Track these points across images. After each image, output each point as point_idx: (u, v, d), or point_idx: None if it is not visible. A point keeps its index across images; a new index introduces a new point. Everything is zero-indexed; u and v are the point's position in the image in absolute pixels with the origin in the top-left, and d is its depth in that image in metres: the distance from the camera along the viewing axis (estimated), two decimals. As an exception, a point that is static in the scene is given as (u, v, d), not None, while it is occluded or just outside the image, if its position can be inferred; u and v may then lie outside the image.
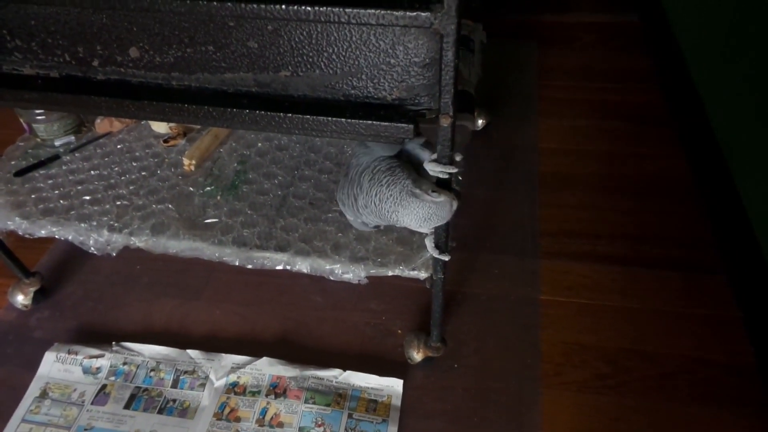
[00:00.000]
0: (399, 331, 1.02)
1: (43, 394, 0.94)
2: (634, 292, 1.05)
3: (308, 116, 0.62)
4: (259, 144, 1.03)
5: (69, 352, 0.98)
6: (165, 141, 1.02)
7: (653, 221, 1.18)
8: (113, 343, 0.99)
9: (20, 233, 0.90)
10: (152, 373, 0.96)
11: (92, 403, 0.92)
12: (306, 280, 1.09)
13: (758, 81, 1.06)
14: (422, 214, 0.65)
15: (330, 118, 0.61)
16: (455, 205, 0.66)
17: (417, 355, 0.95)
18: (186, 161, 0.97)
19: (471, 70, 1.07)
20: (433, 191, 0.65)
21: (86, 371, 0.96)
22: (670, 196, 1.23)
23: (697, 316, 1.01)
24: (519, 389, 0.93)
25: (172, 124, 1.03)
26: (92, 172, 0.98)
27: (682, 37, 1.45)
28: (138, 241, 0.86)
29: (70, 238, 0.88)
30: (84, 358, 0.97)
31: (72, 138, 1.03)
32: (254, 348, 0.98)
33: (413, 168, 0.71)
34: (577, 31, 1.76)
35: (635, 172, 1.29)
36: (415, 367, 0.96)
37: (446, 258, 0.77)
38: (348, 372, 0.94)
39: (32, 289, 1.05)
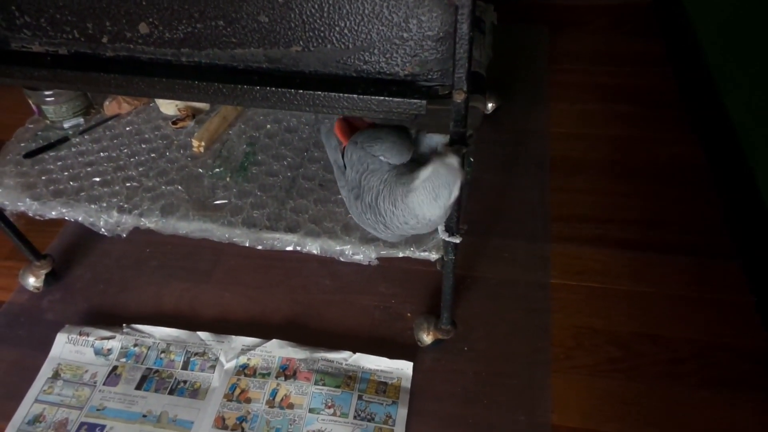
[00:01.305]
0: (408, 315, 1.01)
1: (56, 375, 0.94)
2: (645, 277, 1.04)
3: (319, 92, 0.61)
4: (268, 126, 1.02)
5: (80, 334, 0.98)
6: (174, 123, 1.01)
7: (665, 206, 1.16)
8: (124, 325, 0.99)
9: (31, 214, 0.90)
10: (163, 355, 0.96)
11: (104, 384, 0.93)
12: (315, 263, 1.08)
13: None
14: (430, 188, 0.61)
15: (342, 95, 0.61)
16: (461, 169, 0.62)
17: (427, 338, 0.94)
18: (195, 143, 0.96)
19: (482, 51, 1.05)
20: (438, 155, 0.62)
21: (98, 352, 0.96)
22: (683, 180, 1.21)
23: (709, 301, 1.00)
24: (529, 373, 0.92)
25: (180, 106, 1.02)
26: (101, 153, 0.98)
27: (696, 19, 1.43)
28: (148, 222, 0.86)
29: (80, 219, 0.88)
30: (95, 339, 0.97)
31: (81, 120, 1.02)
32: (264, 330, 0.98)
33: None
34: (589, 15, 1.73)
35: (647, 156, 1.27)
36: (425, 350, 0.95)
37: (457, 240, 0.76)
38: (358, 354, 0.94)
39: (43, 272, 1.05)
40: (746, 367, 0.91)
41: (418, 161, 0.68)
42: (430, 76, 0.60)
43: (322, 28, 0.58)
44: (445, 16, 0.54)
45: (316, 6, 0.57)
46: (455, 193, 0.62)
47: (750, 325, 0.96)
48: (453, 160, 0.60)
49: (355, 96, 0.60)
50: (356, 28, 0.57)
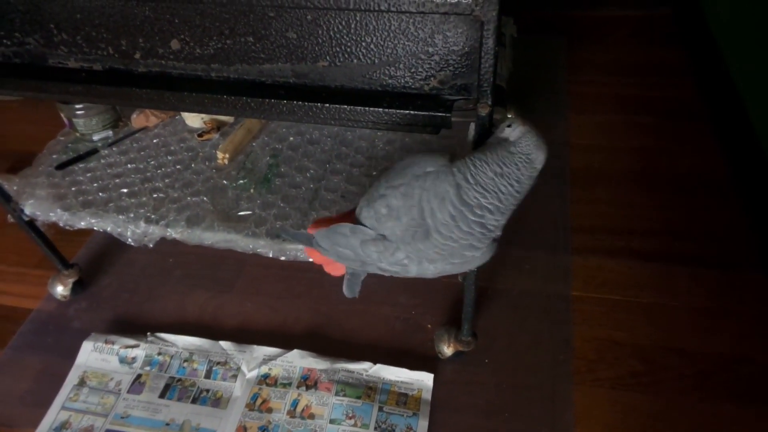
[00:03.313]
0: (429, 326, 1.01)
1: (82, 383, 0.96)
2: (668, 289, 1.03)
3: (345, 106, 0.62)
4: (291, 138, 1.04)
5: (106, 342, 1.00)
6: (199, 135, 1.03)
7: (688, 217, 1.15)
8: (148, 333, 1.01)
9: (61, 225, 0.92)
10: (186, 364, 0.97)
11: (128, 392, 0.94)
12: (336, 274, 1.09)
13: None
14: (528, 129, 0.58)
15: (367, 108, 0.62)
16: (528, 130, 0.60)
17: (447, 350, 0.94)
18: (220, 155, 0.98)
19: (502, 64, 1.06)
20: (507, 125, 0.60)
21: (122, 361, 0.98)
22: (705, 191, 1.20)
23: (735, 314, 0.98)
24: (551, 385, 0.92)
25: (206, 119, 1.04)
26: (129, 165, 1.00)
27: (717, 29, 1.42)
28: (174, 233, 0.88)
29: (108, 229, 0.90)
30: (120, 347, 0.99)
31: (110, 132, 1.05)
32: (285, 340, 0.99)
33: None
34: (608, 26, 1.73)
35: (669, 167, 1.26)
36: (446, 362, 0.95)
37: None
38: (378, 365, 0.94)
39: (71, 281, 1.08)
40: (774, 381, 0.89)
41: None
42: (454, 90, 0.61)
43: (349, 44, 0.60)
44: (471, 32, 0.55)
45: (344, 23, 0.58)
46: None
47: (778, 339, 0.94)
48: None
49: (380, 110, 0.61)
50: (382, 43, 0.58)
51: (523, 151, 0.58)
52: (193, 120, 1.06)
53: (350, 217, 0.76)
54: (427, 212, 0.62)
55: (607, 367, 0.94)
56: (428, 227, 0.62)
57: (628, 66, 1.57)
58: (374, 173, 0.96)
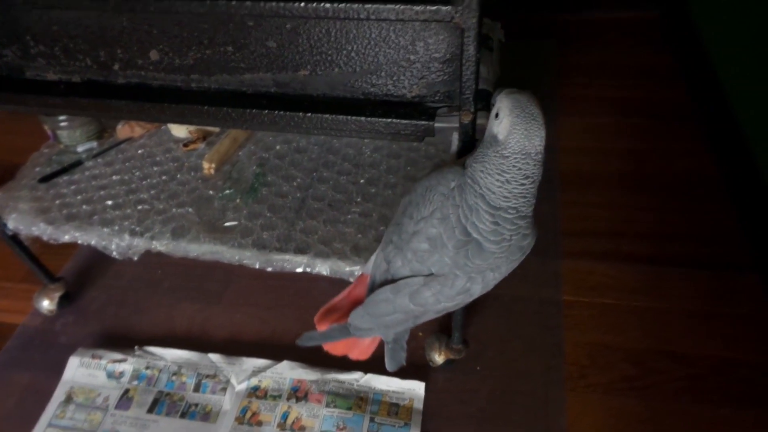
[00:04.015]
0: (420, 334, 1.00)
1: (68, 399, 0.94)
2: (660, 292, 1.03)
3: (327, 115, 0.61)
4: (278, 147, 1.03)
5: (93, 357, 0.98)
6: (185, 145, 1.02)
7: (679, 219, 1.15)
8: (136, 347, 1.00)
9: (45, 238, 0.91)
10: (174, 377, 0.96)
11: (116, 408, 0.92)
12: (325, 283, 1.07)
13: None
14: (517, 114, 0.53)
15: (349, 117, 0.61)
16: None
17: (438, 358, 0.93)
18: (206, 165, 0.97)
19: (489, 68, 1.05)
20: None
21: (110, 375, 0.97)
22: (696, 193, 1.20)
23: (727, 316, 0.98)
24: (544, 392, 0.91)
25: (191, 129, 1.03)
26: (114, 177, 0.99)
27: (706, 32, 1.42)
28: (159, 245, 0.87)
29: (93, 242, 0.89)
30: (107, 362, 0.98)
31: (94, 144, 1.04)
32: (275, 351, 0.98)
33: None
34: (597, 29, 1.73)
35: (659, 169, 1.26)
36: (437, 370, 0.94)
37: None
38: (369, 375, 0.93)
39: (57, 294, 1.06)
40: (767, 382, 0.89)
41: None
42: (437, 97, 0.60)
43: (330, 53, 0.59)
44: (452, 39, 0.54)
45: (324, 31, 0.57)
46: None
47: (770, 340, 0.94)
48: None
49: (362, 118, 0.60)
50: (363, 51, 0.58)
51: (515, 149, 0.54)
52: (179, 130, 1.05)
53: (358, 289, 0.74)
54: (471, 227, 0.59)
55: (599, 372, 0.93)
56: (478, 241, 0.59)
57: (618, 68, 1.57)
58: (361, 181, 0.95)
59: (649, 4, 1.73)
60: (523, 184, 0.56)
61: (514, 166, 0.55)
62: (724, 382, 0.89)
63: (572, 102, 1.46)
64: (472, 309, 1.02)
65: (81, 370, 0.97)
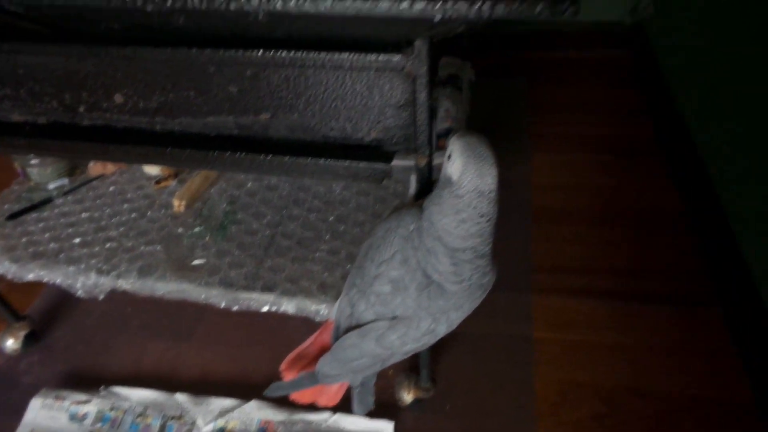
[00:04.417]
0: (390, 372, 1.00)
1: (28, 442, 0.92)
2: (629, 328, 1.03)
3: (287, 158, 0.63)
4: (249, 184, 1.04)
5: (56, 398, 0.96)
6: (157, 182, 1.03)
7: (647, 254, 1.17)
8: (101, 387, 0.98)
9: (9, 277, 0.90)
10: (139, 419, 0.94)
11: (77, 451, 0.90)
12: (297, 321, 1.07)
13: (744, 113, 1.07)
14: (468, 155, 0.54)
15: (309, 159, 0.62)
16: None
17: (407, 396, 0.93)
18: (176, 202, 0.98)
19: (459, 107, 1.08)
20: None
21: (72, 418, 0.94)
22: (664, 228, 1.22)
23: (694, 351, 0.99)
24: (514, 430, 0.90)
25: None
26: (83, 214, 0.99)
27: (668, 71, 1.48)
28: (125, 284, 0.86)
29: (57, 281, 0.88)
30: (71, 404, 0.95)
31: (66, 181, 1.04)
32: (244, 390, 0.96)
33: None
34: (567, 67, 1.79)
35: (628, 204, 1.29)
36: (406, 409, 0.94)
37: None
38: (337, 415, 0.92)
39: (22, 333, 1.04)
40: (734, 418, 0.89)
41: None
42: (394, 141, 0.62)
43: (289, 97, 0.60)
44: (405, 86, 0.56)
45: (283, 77, 0.59)
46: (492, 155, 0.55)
47: (736, 376, 0.95)
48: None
49: (321, 161, 0.62)
50: (321, 97, 0.59)
51: (468, 189, 0.55)
52: (151, 167, 1.05)
53: (324, 335, 0.74)
54: (430, 270, 0.59)
55: (569, 409, 0.93)
56: (439, 282, 0.60)
57: (588, 105, 1.62)
58: (331, 218, 0.96)
59: (616, 44, 1.79)
60: (479, 223, 0.57)
61: (468, 205, 0.56)
62: (693, 418, 0.90)
63: (544, 138, 1.50)
64: (441, 347, 1.02)
65: (43, 412, 0.95)
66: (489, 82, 1.64)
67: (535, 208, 1.30)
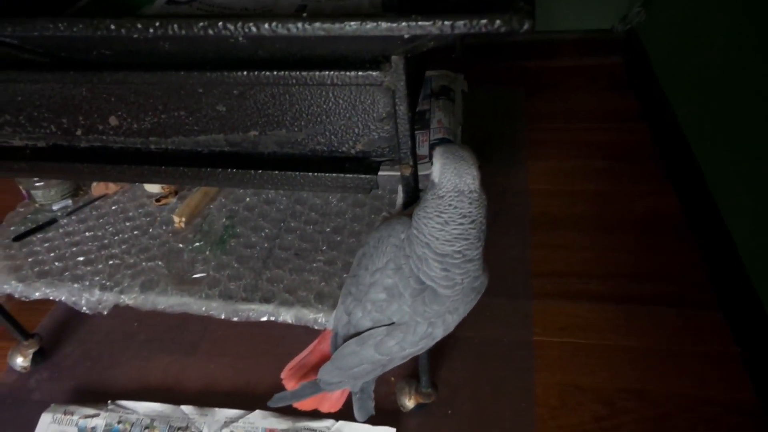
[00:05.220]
0: (392, 378, 1.01)
1: (39, 457, 0.94)
2: (629, 331, 1.04)
3: (277, 172, 0.65)
4: (248, 199, 1.06)
5: (65, 413, 0.98)
6: (157, 200, 1.05)
7: (646, 259, 1.17)
8: (109, 401, 1.00)
9: (16, 296, 0.92)
10: (146, 431, 0.96)
11: (86, 465, 0.92)
12: (300, 330, 1.08)
13: (739, 116, 1.08)
14: (448, 160, 0.57)
15: (298, 173, 0.64)
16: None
17: (409, 402, 0.94)
18: (176, 219, 1.00)
19: (451, 118, 1.10)
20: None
21: (81, 431, 0.96)
22: (662, 233, 1.22)
23: (694, 354, 0.99)
24: (515, 435, 0.91)
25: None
26: (87, 233, 1.01)
27: (663, 77, 1.48)
28: (127, 299, 0.88)
29: (63, 298, 0.91)
30: (79, 418, 0.97)
31: (69, 201, 1.07)
32: (248, 401, 0.98)
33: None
34: (563, 75, 1.80)
35: (626, 210, 1.29)
36: (408, 415, 0.95)
37: None
38: (340, 422, 0.93)
39: (31, 351, 1.07)
40: (735, 420, 0.89)
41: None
42: (380, 152, 0.63)
43: (276, 114, 0.62)
44: (386, 100, 0.58)
45: (268, 95, 0.61)
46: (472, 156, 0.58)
47: (737, 377, 0.94)
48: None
49: (310, 174, 0.64)
50: (307, 112, 0.61)
51: (448, 188, 0.56)
52: (152, 185, 1.08)
53: (323, 344, 0.76)
54: (423, 276, 0.61)
55: (569, 413, 0.93)
56: (432, 287, 0.61)
57: (584, 112, 1.62)
58: (327, 229, 0.97)
59: (611, 51, 1.80)
60: (461, 224, 0.58)
61: (450, 205, 0.57)
62: (693, 421, 0.90)
63: (541, 146, 1.51)
64: (442, 353, 1.03)
65: (53, 427, 0.97)
66: (487, 92, 1.66)
67: (533, 215, 1.31)
